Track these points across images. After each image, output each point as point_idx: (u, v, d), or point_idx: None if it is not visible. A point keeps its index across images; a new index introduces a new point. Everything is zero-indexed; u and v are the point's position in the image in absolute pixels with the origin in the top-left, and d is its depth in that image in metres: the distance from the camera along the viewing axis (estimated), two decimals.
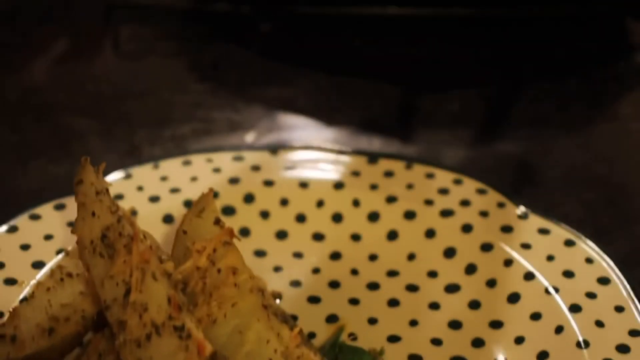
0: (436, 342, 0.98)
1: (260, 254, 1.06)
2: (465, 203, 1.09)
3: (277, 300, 1.01)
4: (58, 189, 1.08)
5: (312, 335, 0.96)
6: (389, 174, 1.12)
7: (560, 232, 1.07)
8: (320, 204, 1.10)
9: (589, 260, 1.03)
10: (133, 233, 0.88)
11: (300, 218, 1.09)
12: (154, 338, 0.80)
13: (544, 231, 1.06)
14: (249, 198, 1.10)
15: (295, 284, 1.03)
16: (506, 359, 0.95)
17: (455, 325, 1.00)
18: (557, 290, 1.00)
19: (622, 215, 1.18)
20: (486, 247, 1.04)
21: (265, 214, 1.10)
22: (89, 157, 0.95)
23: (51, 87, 1.39)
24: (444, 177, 1.12)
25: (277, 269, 1.04)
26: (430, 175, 1.12)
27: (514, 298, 1.00)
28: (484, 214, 1.07)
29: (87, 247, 0.90)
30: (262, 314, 0.87)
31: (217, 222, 0.98)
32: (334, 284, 1.04)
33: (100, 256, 0.88)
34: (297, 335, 0.88)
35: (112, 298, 0.85)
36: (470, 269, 1.04)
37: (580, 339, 0.94)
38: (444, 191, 1.10)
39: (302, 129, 1.32)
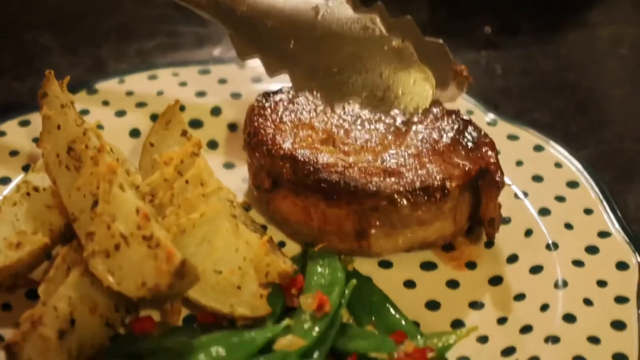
0: None
1: (229, 166, 1.06)
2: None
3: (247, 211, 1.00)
4: (22, 106, 1.07)
5: (281, 244, 0.96)
6: None
7: (529, 137, 1.07)
8: None
9: (557, 165, 1.03)
10: (100, 145, 0.87)
11: None
12: (123, 248, 0.79)
13: (513, 137, 1.07)
14: (216, 111, 1.09)
15: None
16: (476, 262, 0.95)
17: None
18: (526, 194, 1.00)
19: (590, 121, 1.18)
20: None
21: (233, 126, 1.09)
22: (54, 72, 0.94)
23: (11, 2, 1.36)
24: None
25: (245, 180, 1.03)
26: None
27: None
28: None
29: (52, 160, 0.89)
30: (231, 223, 0.87)
31: (184, 133, 0.98)
32: None
33: (66, 169, 0.87)
34: (266, 243, 0.87)
35: (79, 210, 0.84)
36: None
37: (550, 241, 0.95)
38: None
39: None
